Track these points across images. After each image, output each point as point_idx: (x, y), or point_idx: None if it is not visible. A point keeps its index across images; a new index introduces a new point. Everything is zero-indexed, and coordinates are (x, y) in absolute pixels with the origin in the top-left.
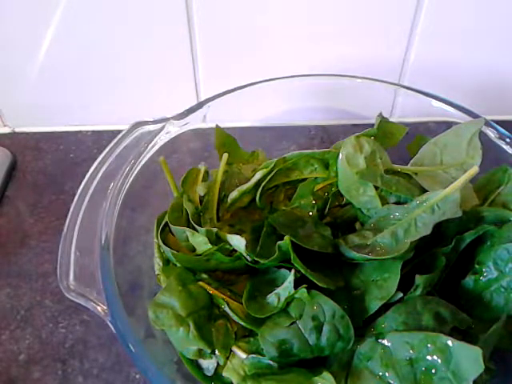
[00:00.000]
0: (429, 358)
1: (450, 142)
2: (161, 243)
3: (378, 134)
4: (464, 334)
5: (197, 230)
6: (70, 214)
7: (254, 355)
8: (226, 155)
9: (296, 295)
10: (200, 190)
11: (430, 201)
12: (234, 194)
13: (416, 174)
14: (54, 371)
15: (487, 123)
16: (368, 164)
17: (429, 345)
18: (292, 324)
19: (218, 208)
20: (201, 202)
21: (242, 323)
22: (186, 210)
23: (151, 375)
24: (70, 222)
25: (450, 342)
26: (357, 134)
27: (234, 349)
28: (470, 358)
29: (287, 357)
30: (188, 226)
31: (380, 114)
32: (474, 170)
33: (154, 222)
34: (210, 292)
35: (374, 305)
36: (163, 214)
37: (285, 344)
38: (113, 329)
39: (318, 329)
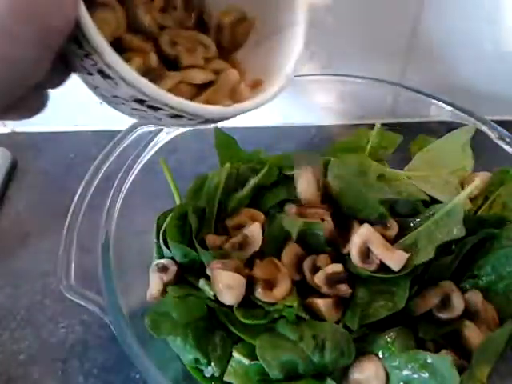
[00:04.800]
0: (416, 375)
1: (443, 150)
2: (161, 243)
3: (375, 144)
4: None
5: (195, 249)
6: (69, 213)
7: (257, 361)
8: (227, 166)
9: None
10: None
11: (433, 217)
12: (232, 203)
13: (410, 178)
14: (54, 371)
15: (487, 123)
16: (359, 178)
17: (413, 363)
18: (294, 345)
19: (217, 219)
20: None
21: (238, 334)
22: (190, 224)
23: (151, 375)
24: (70, 222)
25: (428, 358)
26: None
27: (236, 354)
28: (447, 368)
29: (291, 376)
30: (190, 242)
31: (378, 127)
32: (476, 183)
33: (153, 222)
34: (208, 303)
35: (380, 313)
36: (163, 215)
37: (289, 364)
38: (113, 329)
39: (321, 347)
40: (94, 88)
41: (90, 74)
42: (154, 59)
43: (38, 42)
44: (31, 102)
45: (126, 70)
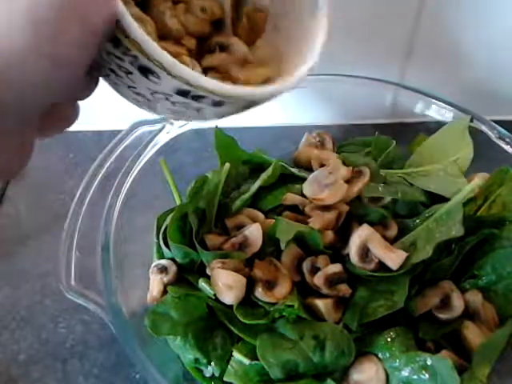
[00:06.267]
0: (415, 376)
1: (441, 141)
2: (161, 243)
3: (375, 149)
4: None
5: (196, 250)
6: (70, 213)
7: (257, 361)
8: (227, 166)
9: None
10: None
11: (433, 217)
12: (237, 204)
13: (409, 175)
14: (54, 371)
15: (487, 123)
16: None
17: (412, 365)
18: (295, 345)
19: (217, 219)
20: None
21: (239, 333)
22: (190, 224)
23: (151, 375)
24: (70, 222)
25: (428, 360)
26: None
27: (236, 354)
28: (447, 370)
29: (291, 376)
30: (191, 242)
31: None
32: (476, 181)
33: (153, 222)
34: (209, 303)
35: (380, 312)
36: (163, 215)
37: (289, 364)
38: (113, 329)
39: (321, 347)
40: (128, 88)
41: (129, 73)
42: (187, 61)
43: (81, 39)
44: (69, 114)
45: (171, 60)
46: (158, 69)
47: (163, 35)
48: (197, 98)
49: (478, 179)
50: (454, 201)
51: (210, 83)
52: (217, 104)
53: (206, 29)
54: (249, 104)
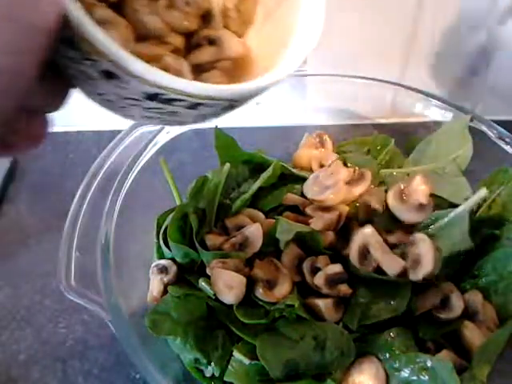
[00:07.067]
0: (415, 377)
1: (442, 140)
2: (161, 243)
3: (374, 147)
4: None
5: (196, 250)
6: (70, 214)
7: (257, 361)
8: (227, 166)
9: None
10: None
11: (436, 225)
12: (237, 204)
13: (408, 174)
14: (54, 371)
15: (487, 123)
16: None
17: (412, 366)
18: (295, 344)
19: (217, 219)
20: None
21: (239, 333)
22: (190, 224)
23: (151, 375)
24: (70, 222)
25: (428, 361)
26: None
27: (236, 353)
28: (447, 372)
29: (292, 376)
30: (191, 242)
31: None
32: (482, 192)
33: (153, 222)
34: (209, 303)
35: (382, 315)
36: (163, 215)
37: (289, 364)
38: (113, 329)
39: (321, 346)
40: (99, 95)
41: (93, 80)
42: (169, 61)
43: (19, 44)
44: (33, 128)
45: (132, 62)
46: (119, 71)
47: (144, 36)
48: (168, 101)
49: (485, 189)
50: (459, 210)
51: (180, 83)
52: (191, 107)
53: (193, 24)
54: (229, 105)
